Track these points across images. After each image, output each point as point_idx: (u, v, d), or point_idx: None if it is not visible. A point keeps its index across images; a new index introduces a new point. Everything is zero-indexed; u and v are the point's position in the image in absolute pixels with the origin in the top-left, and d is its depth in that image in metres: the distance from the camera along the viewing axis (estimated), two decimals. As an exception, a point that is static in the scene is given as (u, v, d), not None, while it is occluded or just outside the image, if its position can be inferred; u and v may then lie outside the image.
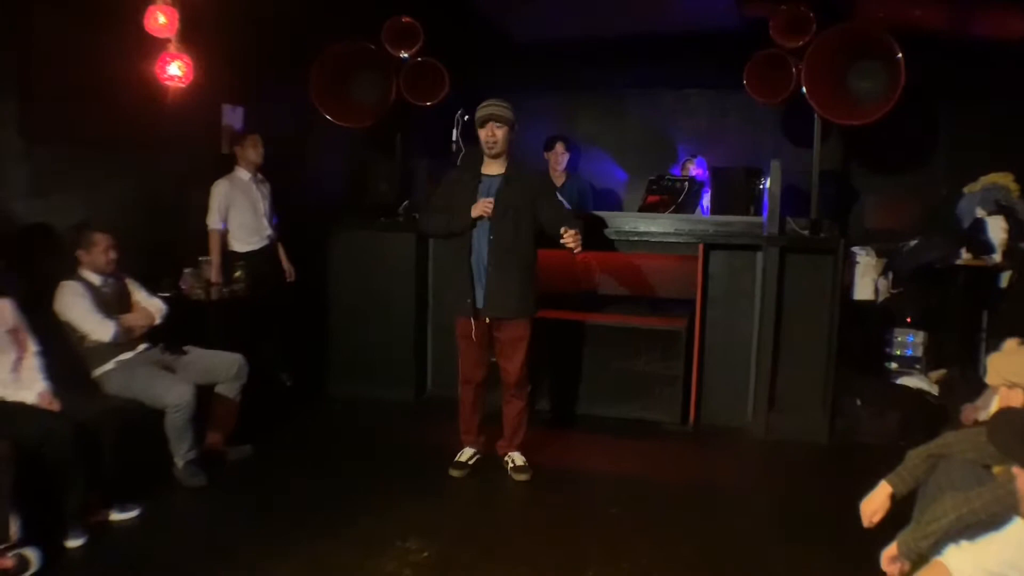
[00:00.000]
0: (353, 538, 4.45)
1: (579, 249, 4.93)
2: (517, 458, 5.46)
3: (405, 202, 7.14)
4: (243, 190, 6.63)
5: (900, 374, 6.62)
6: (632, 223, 6.72)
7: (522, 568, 4.14)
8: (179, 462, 5.11)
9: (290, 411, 6.62)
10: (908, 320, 6.73)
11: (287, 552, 4.27)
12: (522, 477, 5.35)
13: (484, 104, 5.13)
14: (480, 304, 5.19)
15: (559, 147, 7.93)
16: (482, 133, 5.13)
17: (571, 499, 5.15)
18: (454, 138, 5.69)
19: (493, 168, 5.24)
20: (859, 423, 6.22)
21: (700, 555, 4.35)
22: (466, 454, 5.51)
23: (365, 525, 4.62)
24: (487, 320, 5.21)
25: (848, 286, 6.71)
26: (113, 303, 5.20)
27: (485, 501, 5.11)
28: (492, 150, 5.14)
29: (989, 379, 3.45)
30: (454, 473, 5.37)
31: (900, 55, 5.94)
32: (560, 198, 5.35)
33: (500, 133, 5.09)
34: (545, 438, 6.09)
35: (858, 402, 6.26)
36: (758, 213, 6.92)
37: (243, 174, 6.62)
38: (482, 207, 5.07)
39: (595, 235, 6.59)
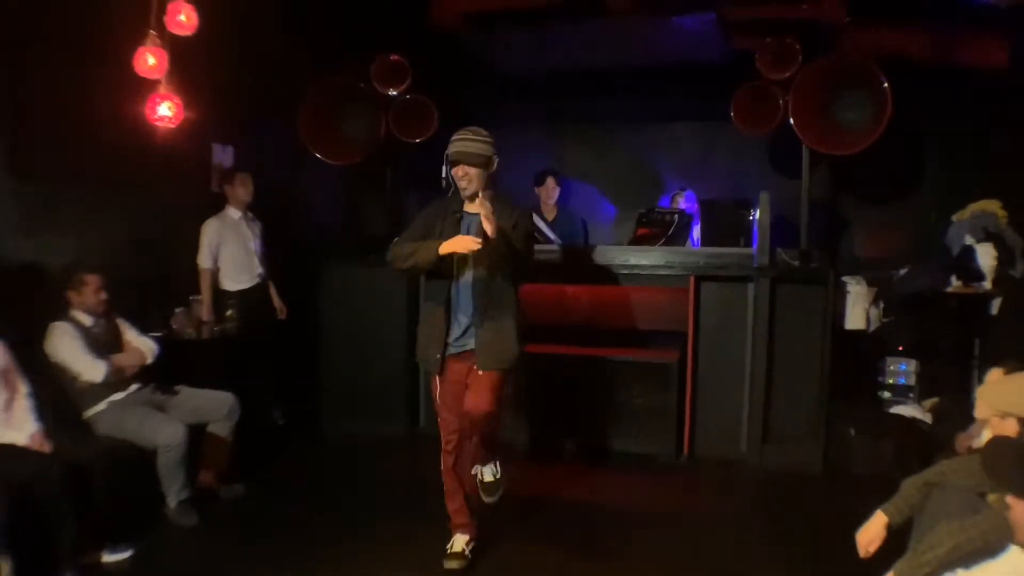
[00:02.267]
0: (344, 574, 4.43)
1: (490, 232, 4.16)
2: (486, 472, 4.65)
3: (396, 238, 7.13)
4: (234, 228, 6.64)
5: (893, 403, 6.59)
6: (623, 256, 6.74)
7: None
8: (171, 502, 5.10)
9: (282, 448, 6.61)
10: (900, 348, 6.73)
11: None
12: (489, 499, 4.64)
13: (455, 138, 4.48)
14: (460, 347, 4.59)
15: (550, 181, 7.94)
16: (454, 172, 4.50)
17: (566, 532, 5.13)
18: (444, 174, 5.68)
19: (472, 207, 4.52)
20: (853, 452, 6.21)
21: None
22: (459, 542, 4.70)
23: (359, 561, 4.62)
24: (472, 367, 4.52)
25: (839, 315, 6.71)
26: (104, 343, 5.20)
27: (480, 533, 5.07)
28: (466, 191, 4.47)
29: (978, 412, 3.48)
30: (452, 565, 4.57)
31: (886, 84, 5.99)
32: (535, 226, 5.06)
33: (473, 173, 4.43)
34: (538, 471, 6.07)
35: (852, 431, 6.25)
36: (748, 244, 6.94)
37: (233, 212, 6.64)
38: (468, 243, 4.26)
39: (587, 268, 6.66)
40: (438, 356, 4.60)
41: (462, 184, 4.46)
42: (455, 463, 4.67)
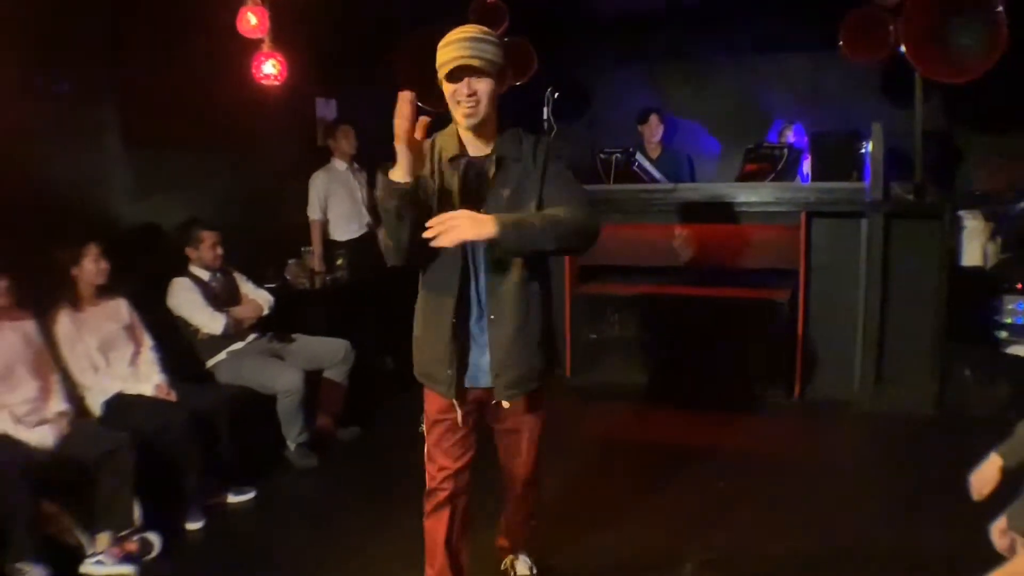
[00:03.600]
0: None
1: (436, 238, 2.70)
2: (520, 566, 3.84)
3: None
4: (340, 180, 6.81)
5: (1010, 343, 6.30)
6: (731, 193, 6.59)
7: (636, 530, 4.21)
8: (291, 445, 5.32)
9: (394, 393, 6.76)
10: (1019, 287, 6.47)
11: (397, 528, 4.34)
12: None
13: (450, 39, 2.90)
14: (476, 380, 3.13)
15: (653, 119, 7.88)
16: (452, 91, 2.93)
17: (675, 476, 5.09)
18: (545, 116, 5.71)
19: (475, 145, 3.05)
20: (968, 394, 6.01)
21: (806, 527, 4.33)
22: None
23: (474, 503, 4.72)
24: (496, 401, 3.15)
25: (955, 252, 6.49)
26: (222, 296, 5.42)
27: (590, 468, 5.05)
28: (471, 119, 2.93)
29: None
30: None
31: (1000, 8, 5.72)
32: (569, 176, 3.07)
33: (482, 89, 2.90)
34: (645, 415, 6.09)
35: (967, 372, 6.05)
36: (860, 178, 6.74)
37: (339, 164, 6.80)
38: (465, 229, 2.69)
39: (693, 207, 6.56)
40: (449, 372, 3.07)
41: (465, 108, 2.91)
42: (453, 518, 3.29)
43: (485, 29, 2.95)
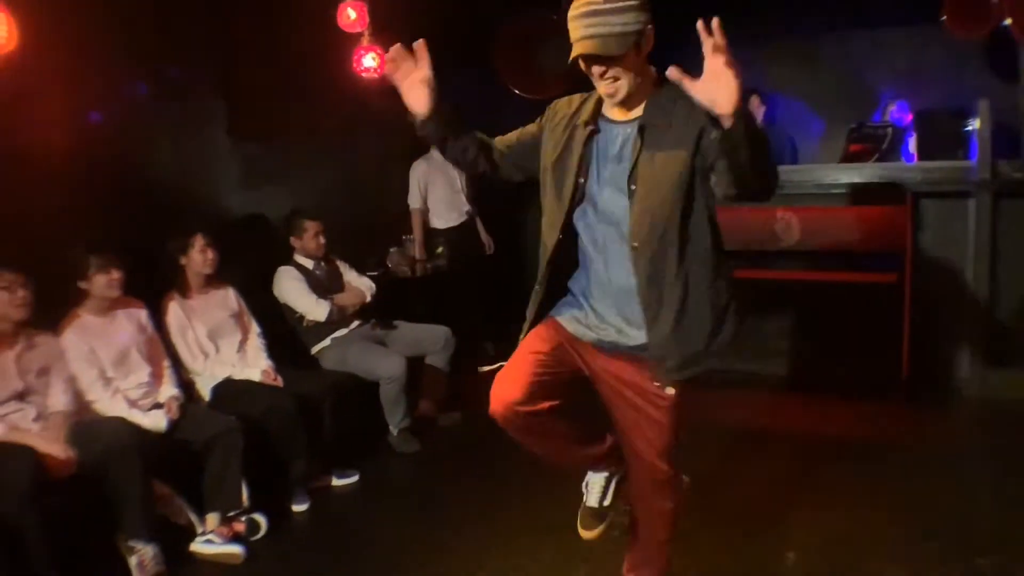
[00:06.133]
0: (559, 496, 4.48)
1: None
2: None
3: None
4: (440, 169, 6.87)
5: None
6: (835, 174, 6.51)
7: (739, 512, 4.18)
8: (394, 430, 5.40)
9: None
10: None
11: (500, 512, 4.44)
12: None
13: (572, 14, 2.54)
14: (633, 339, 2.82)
15: (754, 100, 7.75)
16: (588, 72, 2.63)
17: (780, 463, 5.04)
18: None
19: (619, 111, 2.75)
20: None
21: (912, 513, 4.27)
22: (596, 487, 3.29)
23: (570, 483, 4.72)
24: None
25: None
26: (326, 284, 5.52)
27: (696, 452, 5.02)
28: (612, 98, 2.65)
29: None
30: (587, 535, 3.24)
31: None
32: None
33: (615, 69, 2.57)
34: (750, 400, 6.03)
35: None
36: (967, 157, 6.58)
37: (438, 154, 6.82)
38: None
39: (797, 188, 6.43)
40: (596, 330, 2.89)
41: (605, 87, 2.63)
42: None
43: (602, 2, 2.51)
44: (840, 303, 6.42)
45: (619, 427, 3.00)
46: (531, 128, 3.02)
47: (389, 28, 5.75)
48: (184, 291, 4.73)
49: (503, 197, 7.32)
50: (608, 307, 2.85)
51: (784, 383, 6.51)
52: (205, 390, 4.69)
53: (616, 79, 2.58)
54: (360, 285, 5.74)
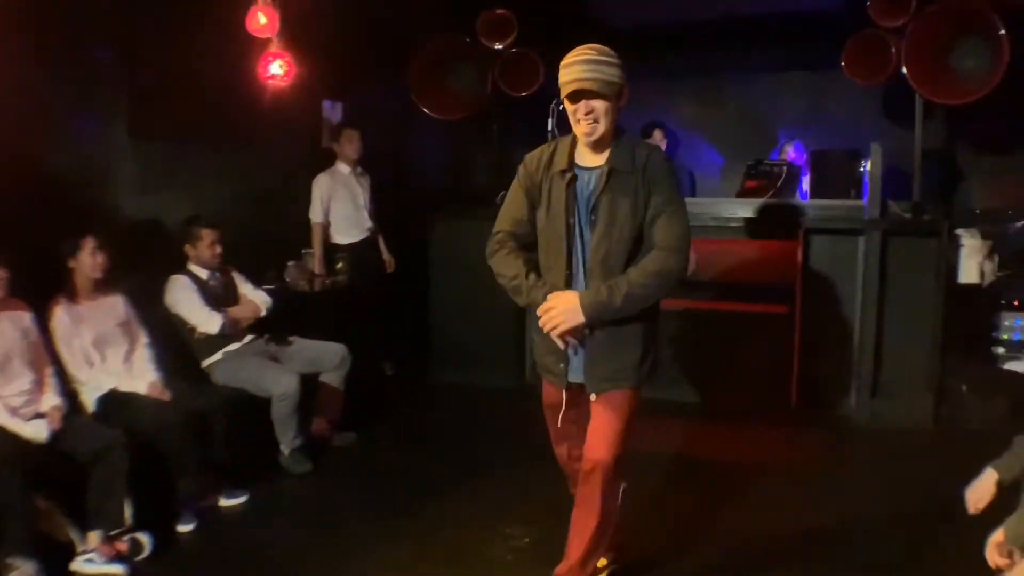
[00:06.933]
0: (455, 522, 4.52)
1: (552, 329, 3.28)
2: None
3: (502, 192, 7.19)
4: (344, 183, 6.75)
5: (1007, 359, 6.36)
6: (731, 209, 6.66)
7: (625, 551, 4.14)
8: (285, 449, 5.24)
9: (393, 399, 6.74)
10: (1016, 304, 6.49)
11: (390, 535, 4.37)
12: None
13: (571, 60, 3.12)
14: (578, 374, 3.43)
15: (657, 134, 7.90)
16: (573, 110, 3.19)
17: (670, 484, 5.11)
18: (549, 128, 5.70)
19: (589, 157, 3.29)
20: (965, 409, 6.06)
21: (806, 538, 4.35)
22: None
23: (467, 510, 4.69)
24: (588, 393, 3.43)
25: (953, 269, 6.50)
26: (220, 296, 5.36)
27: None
28: (591, 136, 3.18)
29: None
30: None
31: (1003, 31, 5.77)
32: (674, 195, 3.30)
33: (601, 109, 3.13)
34: (648, 425, 6.04)
35: (964, 388, 6.09)
36: (859, 196, 6.78)
37: (343, 168, 6.74)
38: (564, 316, 3.22)
39: (694, 221, 6.50)
40: (561, 365, 3.45)
41: (584, 127, 3.17)
42: None
43: (604, 49, 3.15)
44: (735, 332, 6.54)
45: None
46: (518, 197, 3.47)
47: (300, 37, 5.64)
48: (72, 296, 4.53)
49: (406, 216, 7.25)
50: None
51: (679, 409, 6.52)
52: (90, 401, 4.49)
53: (596, 120, 3.14)
54: (255, 298, 5.58)
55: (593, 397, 3.38)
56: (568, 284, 3.31)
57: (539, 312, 3.25)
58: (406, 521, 4.55)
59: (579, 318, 3.17)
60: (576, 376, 3.42)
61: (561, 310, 3.19)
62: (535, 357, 3.66)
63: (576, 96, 3.13)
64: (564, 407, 3.51)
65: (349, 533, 4.43)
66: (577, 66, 3.09)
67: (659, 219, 3.21)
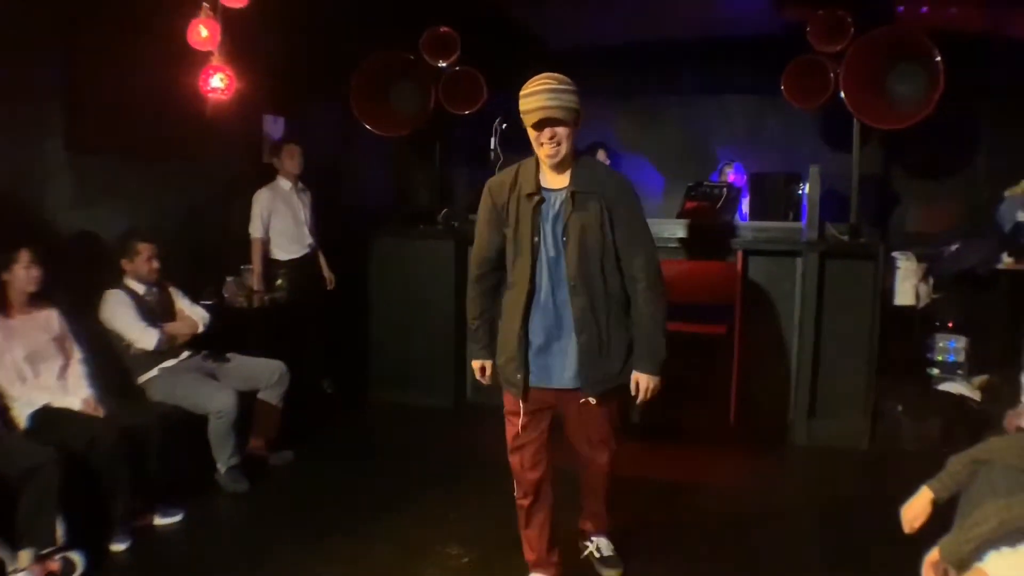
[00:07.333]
0: (393, 542, 4.49)
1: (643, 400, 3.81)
2: (604, 545, 4.25)
3: (444, 210, 7.21)
4: (284, 199, 6.69)
5: (942, 380, 6.52)
6: (671, 229, 6.68)
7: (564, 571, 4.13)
8: (221, 468, 5.18)
9: (331, 417, 6.69)
10: (950, 325, 6.66)
11: (327, 556, 4.33)
12: (612, 573, 4.14)
13: (532, 90, 3.40)
14: (562, 380, 3.72)
15: (600, 154, 7.92)
16: (536, 136, 3.48)
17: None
18: (492, 146, 5.71)
19: (553, 178, 3.60)
20: (900, 430, 6.14)
21: (738, 559, 4.37)
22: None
23: (405, 530, 4.66)
24: (583, 397, 3.75)
25: (889, 291, 6.63)
26: (157, 311, 5.28)
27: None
28: (554, 159, 3.48)
29: None
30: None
31: (939, 58, 5.91)
32: (639, 212, 3.69)
33: (563, 134, 3.44)
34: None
35: (899, 408, 6.18)
36: (797, 218, 6.90)
37: (284, 183, 6.69)
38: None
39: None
40: (519, 375, 3.70)
41: (549, 150, 3.45)
42: (537, 502, 3.90)
43: (562, 78, 3.44)
44: (673, 352, 6.51)
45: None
46: (484, 233, 3.76)
47: (241, 51, 5.58)
48: (5, 309, 4.44)
49: (347, 232, 7.21)
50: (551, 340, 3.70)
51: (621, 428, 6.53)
52: (22, 417, 4.38)
53: (559, 143, 3.44)
54: (193, 314, 5.51)
55: (593, 401, 3.73)
56: (531, 298, 3.62)
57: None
58: (341, 541, 4.52)
59: (656, 379, 3.79)
60: (560, 383, 3.71)
61: (646, 388, 3.78)
62: (497, 366, 3.84)
63: (541, 124, 3.41)
64: (522, 415, 3.74)
65: (284, 552, 4.38)
66: (541, 95, 3.37)
67: (632, 245, 3.61)
